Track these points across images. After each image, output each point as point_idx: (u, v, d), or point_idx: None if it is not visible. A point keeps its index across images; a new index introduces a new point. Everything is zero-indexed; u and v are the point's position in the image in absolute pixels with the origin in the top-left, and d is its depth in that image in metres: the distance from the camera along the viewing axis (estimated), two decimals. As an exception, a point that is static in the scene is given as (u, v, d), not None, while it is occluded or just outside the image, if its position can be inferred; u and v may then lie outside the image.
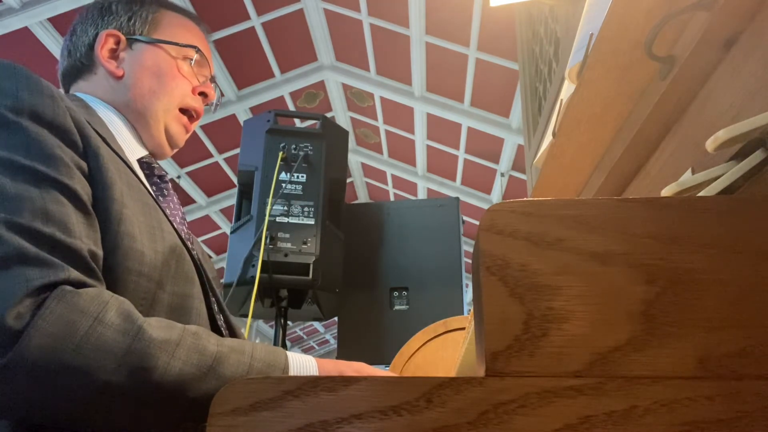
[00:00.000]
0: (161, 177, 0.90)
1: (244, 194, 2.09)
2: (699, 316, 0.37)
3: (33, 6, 3.63)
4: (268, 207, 1.92)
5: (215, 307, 0.84)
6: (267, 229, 1.89)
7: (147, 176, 0.88)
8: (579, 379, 0.36)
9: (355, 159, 6.53)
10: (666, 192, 0.51)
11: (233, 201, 2.25)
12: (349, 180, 6.67)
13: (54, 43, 3.87)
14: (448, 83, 4.81)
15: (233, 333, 0.89)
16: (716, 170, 0.49)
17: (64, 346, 0.54)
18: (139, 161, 0.88)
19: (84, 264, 0.62)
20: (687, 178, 0.50)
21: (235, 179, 5.66)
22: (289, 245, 1.92)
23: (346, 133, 2.25)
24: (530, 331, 0.37)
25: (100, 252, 0.66)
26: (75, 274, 0.59)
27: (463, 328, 1.19)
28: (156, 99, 0.91)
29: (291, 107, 5.55)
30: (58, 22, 3.79)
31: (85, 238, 0.64)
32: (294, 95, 5.49)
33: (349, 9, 4.55)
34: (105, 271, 0.66)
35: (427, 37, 4.42)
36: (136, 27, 0.93)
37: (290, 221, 1.96)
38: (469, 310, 0.69)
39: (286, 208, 1.97)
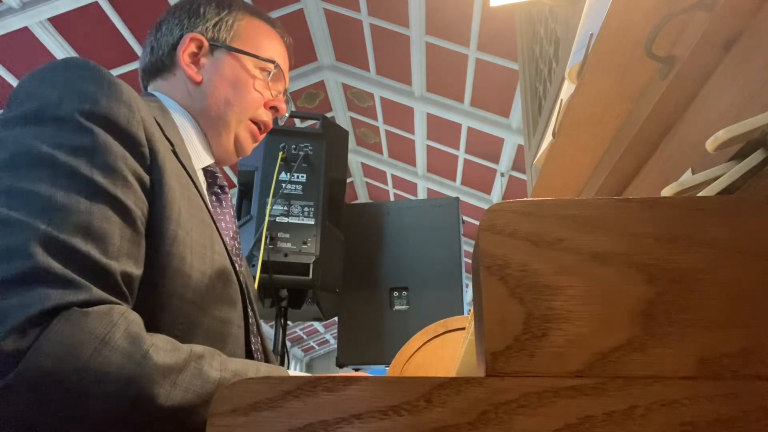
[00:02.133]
0: (222, 187, 0.91)
1: (244, 194, 2.09)
2: (699, 316, 0.37)
3: (33, 6, 3.63)
4: (268, 207, 1.92)
5: (254, 330, 0.84)
6: (267, 229, 1.89)
7: (209, 185, 0.89)
8: (579, 379, 0.36)
9: (355, 159, 6.53)
10: (666, 192, 0.51)
11: (233, 201, 2.25)
12: (349, 180, 6.66)
13: (54, 43, 3.86)
14: (448, 83, 4.81)
15: (267, 357, 0.88)
16: (716, 170, 0.49)
17: (67, 368, 0.53)
18: (204, 170, 0.89)
19: (113, 285, 0.61)
20: (687, 178, 0.50)
21: (235, 179, 5.66)
22: (289, 245, 1.92)
23: (346, 133, 2.25)
24: (530, 331, 0.37)
25: (137, 272, 0.65)
26: (98, 294, 0.58)
27: (463, 328, 1.19)
28: (230, 109, 0.91)
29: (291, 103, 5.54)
30: (58, 22, 3.79)
31: (125, 257, 0.63)
32: (294, 95, 5.49)
33: (349, 9, 4.55)
34: (148, 292, 0.66)
35: (427, 37, 4.41)
36: (220, 33, 0.93)
37: (290, 221, 1.96)
38: (469, 310, 0.69)
39: (286, 208, 1.97)
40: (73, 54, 3.93)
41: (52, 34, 3.83)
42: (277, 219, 1.95)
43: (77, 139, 0.63)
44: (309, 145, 2.06)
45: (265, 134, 1.00)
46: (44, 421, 0.54)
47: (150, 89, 0.94)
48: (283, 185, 1.98)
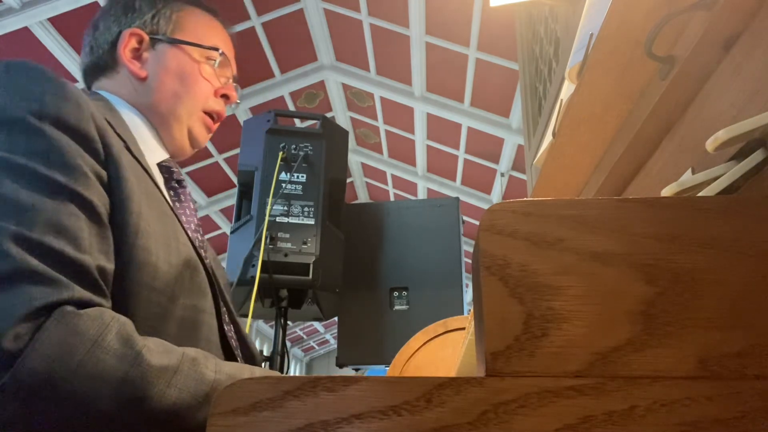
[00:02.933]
0: (179, 182, 0.90)
1: (244, 194, 2.08)
2: (699, 316, 0.37)
3: (33, 6, 3.63)
4: (268, 207, 1.92)
5: (226, 318, 0.83)
6: (267, 229, 1.89)
7: (166, 180, 0.88)
8: (579, 379, 0.36)
9: (355, 159, 6.53)
10: (666, 192, 0.51)
11: (233, 201, 2.25)
12: (349, 180, 6.67)
13: (54, 43, 3.86)
14: (448, 83, 4.81)
15: (244, 343, 0.88)
16: (716, 170, 0.49)
17: (61, 370, 0.53)
18: (159, 165, 0.88)
19: (91, 281, 0.61)
20: (687, 178, 0.50)
21: (235, 179, 5.66)
22: (289, 245, 1.92)
23: (346, 133, 2.25)
24: (530, 331, 0.37)
25: (110, 266, 0.65)
26: (80, 292, 0.58)
27: (463, 328, 1.19)
28: (179, 102, 0.90)
29: (291, 107, 5.55)
30: (58, 22, 3.79)
31: (96, 252, 0.63)
32: (294, 95, 5.49)
33: (349, 9, 4.55)
34: (117, 284, 0.66)
35: (427, 37, 4.42)
36: (159, 26, 0.92)
37: (290, 221, 1.96)
38: (469, 310, 0.69)
39: (286, 208, 1.97)
40: (73, 54, 3.93)
41: (52, 34, 3.83)
42: (277, 219, 1.95)
43: (31, 140, 0.63)
44: (309, 145, 2.06)
45: (218, 123, 0.98)
46: (39, 423, 0.54)
47: (94, 89, 0.92)
48: (283, 185, 1.98)
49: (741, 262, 0.38)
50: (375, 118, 5.78)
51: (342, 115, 5.87)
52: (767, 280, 0.37)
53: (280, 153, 2.01)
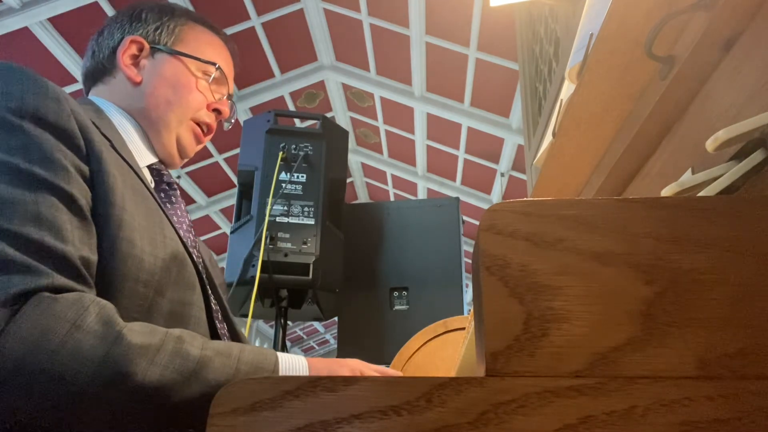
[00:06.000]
0: (170, 184, 0.90)
1: (244, 194, 2.09)
2: (699, 316, 0.37)
3: (33, 6, 3.63)
4: (268, 207, 1.92)
5: (218, 315, 0.84)
6: (267, 229, 1.89)
7: (156, 183, 0.89)
8: (579, 379, 0.36)
9: (355, 159, 6.53)
10: (666, 192, 0.51)
11: (233, 201, 2.25)
12: (349, 180, 6.67)
13: (54, 43, 3.86)
14: (448, 83, 4.81)
15: (237, 341, 0.88)
16: (716, 170, 0.49)
17: (39, 352, 0.53)
18: (149, 167, 0.89)
19: (73, 270, 0.61)
20: (687, 178, 0.50)
21: (235, 179, 5.66)
22: (289, 245, 1.92)
23: (346, 133, 2.25)
24: (530, 331, 0.37)
25: (93, 257, 0.65)
26: (61, 280, 0.59)
27: (463, 328, 1.19)
28: (170, 109, 0.91)
29: (291, 107, 5.55)
30: (58, 22, 3.79)
31: (78, 243, 0.63)
32: (294, 95, 5.49)
33: (349, 9, 4.55)
34: (101, 276, 0.66)
35: (427, 37, 4.41)
36: (161, 37, 0.94)
37: (290, 221, 1.96)
38: (469, 310, 0.69)
39: (286, 208, 1.97)
40: (73, 54, 3.93)
41: (52, 34, 3.83)
42: (277, 219, 1.95)
43: (10, 137, 0.64)
44: (309, 145, 2.06)
45: (209, 137, 0.99)
46: (22, 408, 0.54)
47: (91, 95, 0.94)
48: (283, 185, 1.98)
49: (741, 262, 0.38)
50: (375, 118, 5.78)
51: (342, 115, 5.87)
52: (767, 280, 0.37)
53: (280, 153, 2.01)
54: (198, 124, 0.95)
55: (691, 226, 0.39)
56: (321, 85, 5.50)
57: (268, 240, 1.88)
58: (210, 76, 0.96)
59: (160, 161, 0.93)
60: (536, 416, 0.36)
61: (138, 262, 0.69)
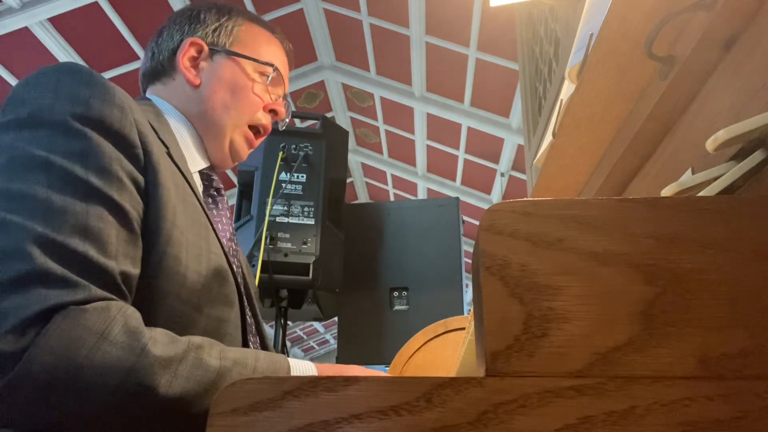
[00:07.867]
0: (218, 190, 0.91)
1: (244, 194, 2.09)
2: (699, 316, 0.37)
3: (33, 6, 3.62)
4: (268, 207, 1.92)
5: (252, 329, 0.84)
6: (267, 229, 1.89)
7: (204, 187, 0.90)
8: (579, 379, 0.36)
9: (355, 159, 6.52)
10: (666, 192, 0.51)
11: (233, 201, 2.25)
12: (349, 180, 6.66)
13: (54, 43, 3.86)
14: (448, 83, 4.81)
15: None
16: (716, 170, 0.49)
17: (67, 363, 0.54)
18: (200, 173, 0.90)
19: (112, 285, 0.61)
20: (687, 178, 0.50)
21: (235, 179, 5.65)
22: (289, 245, 1.92)
23: (346, 133, 2.25)
24: (530, 331, 0.37)
25: (135, 271, 0.65)
26: (98, 293, 0.59)
27: (463, 328, 1.19)
28: (227, 113, 0.92)
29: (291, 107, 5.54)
30: (58, 22, 3.79)
31: (122, 257, 0.64)
32: (294, 95, 5.49)
33: (349, 9, 4.55)
34: (143, 290, 0.66)
35: (427, 37, 4.41)
36: (220, 38, 0.94)
37: (290, 221, 1.96)
38: (469, 310, 0.69)
39: (286, 208, 1.97)
40: (73, 54, 3.93)
41: (52, 34, 3.82)
42: (277, 219, 1.95)
43: (70, 142, 0.64)
44: (309, 145, 2.06)
45: (263, 138, 1.00)
46: (47, 419, 0.55)
47: (148, 94, 0.94)
48: (283, 185, 1.98)
49: (741, 262, 0.38)
50: (375, 118, 5.78)
51: (342, 115, 5.87)
52: (767, 280, 0.37)
53: (280, 153, 2.02)
54: (253, 127, 0.96)
55: (691, 226, 0.39)
56: (321, 85, 5.50)
57: (268, 240, 1.88)
58: (267, 76, 0.96)
59: (211, 166, 0.94)
60: (536, 416, 0.36)
61: (181, 279, 0.70)
